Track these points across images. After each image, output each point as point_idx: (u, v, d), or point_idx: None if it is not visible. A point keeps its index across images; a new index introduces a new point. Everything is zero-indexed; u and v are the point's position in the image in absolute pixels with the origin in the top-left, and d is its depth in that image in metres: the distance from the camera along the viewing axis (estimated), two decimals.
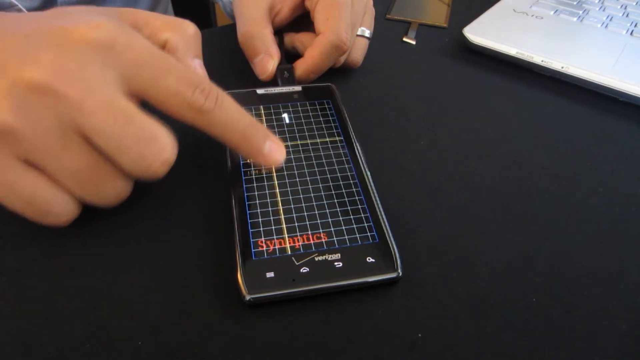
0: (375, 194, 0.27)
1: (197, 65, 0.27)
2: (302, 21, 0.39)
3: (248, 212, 0.26)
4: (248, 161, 0.29)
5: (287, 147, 0.30)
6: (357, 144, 0.31)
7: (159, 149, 0.22)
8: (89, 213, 0.27)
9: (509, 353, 0.22)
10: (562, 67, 0.40)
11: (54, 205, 0.22)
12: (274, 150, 0.26)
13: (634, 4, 0.51)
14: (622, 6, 0.51)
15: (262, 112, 0.32)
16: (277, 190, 0.27)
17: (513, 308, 0.24)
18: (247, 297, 0.23)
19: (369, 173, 0.29)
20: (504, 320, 0.23)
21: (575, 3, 0.51)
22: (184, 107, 0.23)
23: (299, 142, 0.30)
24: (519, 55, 0.41)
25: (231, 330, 0.22)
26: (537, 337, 0.23)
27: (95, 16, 0.23)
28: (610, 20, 0.48)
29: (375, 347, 0.22)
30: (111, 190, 0.23)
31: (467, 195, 0.30)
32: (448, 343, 0.22)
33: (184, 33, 0.26)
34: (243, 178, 0.28)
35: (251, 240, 0.25)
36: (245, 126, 0.24)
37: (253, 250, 0.24)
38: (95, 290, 0.24)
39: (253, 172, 0.28)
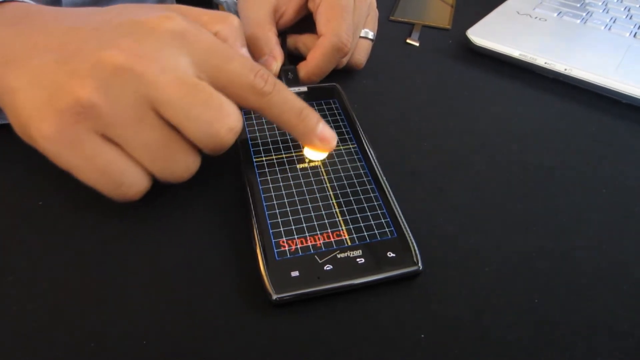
0: (389, 190, 0.28)
1: (245, 53, 0.29)
2: (305, 23, 0.39)
3: (267, 213, 0.26)
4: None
5: (298, 147, 0.30)
6: (367, 141, 0.31)
7: (225, 116, 0.24)
8: (98, 212, 0.27)
9: (511, 353, 0.22)
10: (565, 69, 0.40)
11: (128, 175, 0.24)
12: (326, 130, 0.27)
13: (638, 6, 0.51)
14: (625, 8, 0.51)
15: None
16: (294, 190, 0.28)
17: (515, 309, 0.24)
18: (274, 297, 0.23)
19: (381, 169, 0.29)
20: (506, 320, 0.24)
21: (578, 5, 0.51)
22: (247, 90, 0.25)
23: None
24: (522, 57, 0.41)
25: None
26: (539, 338, 0.23)
27: (162, 11, 0.25)
28: (614, 22, 0.48)
29: (377, 348, 0.22)
30: (182, 163, 0.24)
31: (469, 196, 0.30)
32: (451, 344, 0.23)
33: (231, 25, 0.28)
34: (259, 180, 0.28)
35: (272, 240, 0.25)
36: (300, 107, 0.26)
37: (275, 250, 0.25)
38: (108, 289, 0.24)
39: (268, 174, 0.28)
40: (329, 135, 0.27)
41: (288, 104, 0.26)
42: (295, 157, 0.30)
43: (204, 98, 0.23)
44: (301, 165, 0.29)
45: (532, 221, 0.28)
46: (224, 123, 0.24)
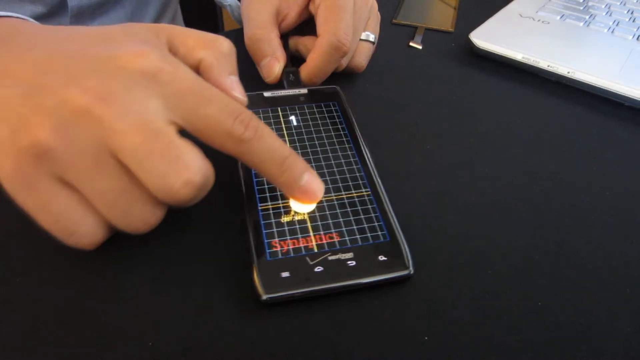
0: (384, 193, 0.28)
1: (233, 82, 0.27)
2: (307, 25, 0.39)
3: (261, 213, 0.26)
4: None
5: (295, 149, 0.30)
6: (365, 145, 0.31)
7: (181, 168, 0.21)
8: None
9: (515, 356, 0.22)
10: (568, 72, 0.40)
11: (81, 225, 0.22)
12: (311, 183, 0.25)
13: None
14: (628, 11, 0.51)
15: (270, 114, 0.33)
16: None
17: (519, 311, 0.24)
18: (264, 297, 0.23)
19: (377, 173, 0.29)
20: (510, 323, 0.23)
21: (581, 8, 0.51)
22: (224, 136, 0.23)
23: (307, 143, 0.31)
24: (525, 60, 0.41)
25: (246, 329, 0.23)
26: (542, 341, 0.23)
27: (140, 44, 0.23)
28: (617, 25, 0.48)
29: (380, 349, 0.22)
30: (139, 215, 0.23)
31: (472, 198, 0.30)
32: (454, 346, 0.22)
33: (218, 50, 0.27)
34: (254, 180, 0.28)
35: (265, 241, 0.25)
36: (283, 157, 0.24)
37: (267, 250, 0.25)
38: (108, 292, 0.24)
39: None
40: (315, 188, 0.25)
41: (269, 153, 0.24)
42: None
43: (161, 147, 0.21)
44: None
45: (535, 224, 0.28)
46: (178, 176, 0.21)
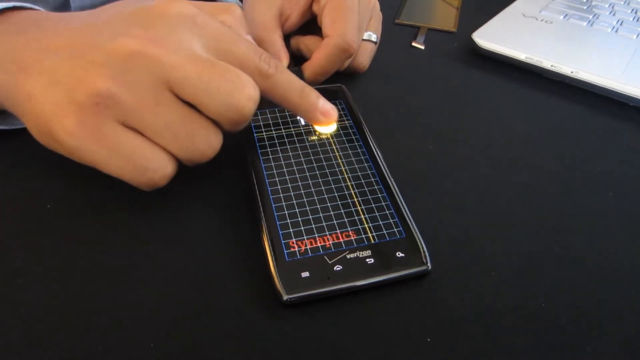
0: (397, 190, 0.28)
1: (251, 39, 0.30)
2: (308, 25, 0.39)
3: (276, 214, 0.26)
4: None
5: (305, 148, 0.31)
6: (374, 142, 0.31)
7: (243, 85, 0.24)
8: (106, 215, 0.27)
9: (517, 358, 0.22)
10: (572, 72, 0.40)
11: (152, 160, 0.24)
12: (326, 105, 0.29)
13: None
14: (632, 10, 0.50)
15: (277, 114, 0.33)
16: (302, 191, 0.28)
17: (522, 313, 0.24)
18: (285, 297, 0.23)
19: (388, 170, 0.29)
20: (513, 325, 0.23)
21: (585, 7, 0.50)
22: (253, 72, 0.26)
23: (316, 142, 0.31)
24: (528, 60, 0.41)
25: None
26: (545, 343, 0.23)
27: None
28: (621, 24, 0.47)
29: (382, 350, 0.22)
30: (204, 140, 0.25)
31: (475, 199, 0.30)
32: (456, 348, 0.22)
33: (235, 14, 0.29)
34: (267, 181, 0.28)
35: (282, 241, 0.25)
36: (302, 86, 0.28)
37: (285, 251, 0.25)
38: (109, 291, 0.24)
39: (276, 175, 0.29)
40: (330, 108, 0.29)
41: (290, 84, 0.27)
42: (303, 159, 0.30)
43: (220, 71, 0.24)
44: (309, 166, 0.29)
45: (538, 224, 0.28)
46: (243, 92, 0.24)
